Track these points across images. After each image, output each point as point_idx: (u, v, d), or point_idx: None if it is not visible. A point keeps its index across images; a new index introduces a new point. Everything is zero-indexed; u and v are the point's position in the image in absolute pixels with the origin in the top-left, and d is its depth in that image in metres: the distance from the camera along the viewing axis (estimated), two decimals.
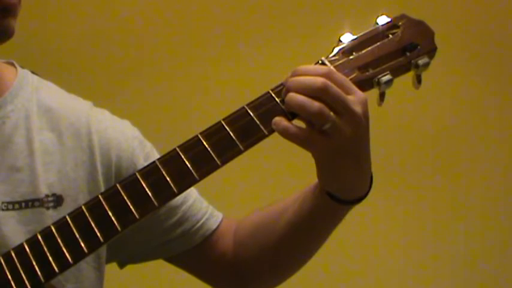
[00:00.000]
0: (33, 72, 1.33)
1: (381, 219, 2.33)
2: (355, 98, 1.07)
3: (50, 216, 1.20)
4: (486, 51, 2.40)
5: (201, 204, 1.36)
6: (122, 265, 1.38)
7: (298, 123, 1.08)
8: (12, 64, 1.32)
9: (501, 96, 2.43)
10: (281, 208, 1.27)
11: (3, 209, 1.20)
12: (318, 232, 1.25)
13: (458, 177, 2.44)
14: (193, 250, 1.34)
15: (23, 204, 1.21)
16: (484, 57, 2.41)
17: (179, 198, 1.30)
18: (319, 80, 1.05)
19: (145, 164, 1.12)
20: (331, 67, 1.10)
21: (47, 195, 1.22)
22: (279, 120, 1.07)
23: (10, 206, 1.21)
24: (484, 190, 2.44)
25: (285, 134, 1.07)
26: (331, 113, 1.05)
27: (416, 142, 2.42)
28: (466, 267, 2.43)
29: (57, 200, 1.23)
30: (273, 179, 2.30)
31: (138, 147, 1.32)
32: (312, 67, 1.09)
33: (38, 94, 1.29)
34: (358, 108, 1.06)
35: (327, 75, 1.06)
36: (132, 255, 1.36)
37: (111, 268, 1.35)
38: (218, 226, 1.35)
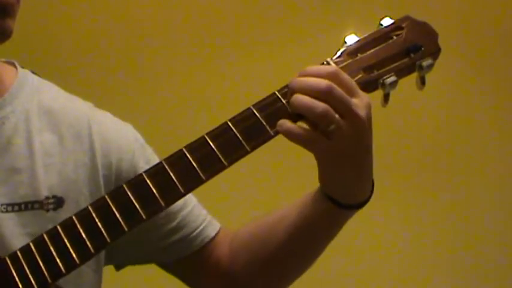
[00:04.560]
0: (33, 73, 1.31)
1: (379, 219, 2.34)
2: (360, 101, 1.08)
3: (50, 219, 1.19)
4: (486, 51, 2.42)
5: (201, 211, 1.35)
6: (118, 267, 1.37)
7: (303, 125, 1.09)
8: (13, 64, 1.30)
9: (501, 96, 2.46)
10: (279, 216, 1.27)
11: (2, 211, 1.19)
12: (317, 239, 1.24)
13: (458, 176, 2.46)
14: (190, 257, 1.33)
15: (23, 206, 1.20)
16: (484, 58, 2.43)
17: (179, 203, 1.29)
18: (324, 82, 1.06)
19: (146, 167, 1.12)
20: (337, 68, 1.10)
21: (47, 197, 1.21)
22: (283, 122, 1.07)
23: (10, 208, 1.20)
24: (483, 190, 2.46)
25: (289, 135, 1.07)
26: (336, 115, 1.05)
27: (416, 142, 2.43)
28: (466, 267, 2.44)
29: (58, 202, 1.22)
30: (276, 182, 2.31)
31: (139, 150, 1.31)
32: (317, 68, 1.10)
33: (38, 95, 1.28)
34: (362, 112, 1.07)
35: (333, 76, 1.07)
36: (129, 258, 1.35)
37: (108, 270, 1.34)
38: (216, 234, 1.34)
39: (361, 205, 1.17)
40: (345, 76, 1.08)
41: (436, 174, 2.44)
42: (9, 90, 1.25)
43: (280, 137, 1.09)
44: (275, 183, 2.31)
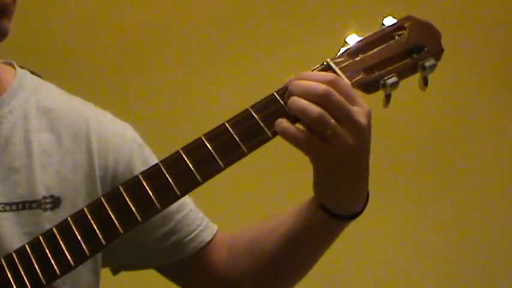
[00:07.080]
0: (32, 73, 1.31)
1: (377, 222, 2.33)
2: (360, 108, 1.06)
3: (47, 218, 1.19)
4: (483, 52, 2.41)
5: (197, 214, 1.34)
6: (114, 271, 1.37)
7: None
8: (11, 64, 1.30)
9: (498, 97, 2.44)
10: (276, 223, 1.25)
11: (0, 210, 1.19)
12: (311, 248, 1.23)
13: (457, 178, 2.44)
14: (185, 261, 1.32)
15: (20, 206, 1.20)
16: (481, 58, 2.41)
17: (174, 206, 1.28)
18: (323, 87, 1.04)
19: (143, 168, 1.10)
20: (339, 71, 1.08)
21: (45, 197, 1.21)
22: (281, 121, 1.06)
23: (7, 207, 1.19)
24: (482, 191, 2.44)
25: (285, 135, 1.05)
26: (332, 120, 1.03)
27: (414, 144, 2.42)
28: (466, 268, 2.43)
29: (55, 202, 1.21)
30: (272, 186, 2.31)
31: (137, 151, 1.30)
32: (317, 73, 1.08)
33: (37, 95, 1.27)
34: (362, 119, 1.05)
35: (332, 83, 1.05)
36: (124, 262, 1.34)
37: (107, 270, 1.34)
38: (212, 238, 1.33)
39: (355, 216, 1.15)
40: (345, 83, 1.06)
41: (434, 178, 2.43)
42: (7, 90, 1.25)
43: (279, 140, 1.07)
44: (273, 186, 2.31)
